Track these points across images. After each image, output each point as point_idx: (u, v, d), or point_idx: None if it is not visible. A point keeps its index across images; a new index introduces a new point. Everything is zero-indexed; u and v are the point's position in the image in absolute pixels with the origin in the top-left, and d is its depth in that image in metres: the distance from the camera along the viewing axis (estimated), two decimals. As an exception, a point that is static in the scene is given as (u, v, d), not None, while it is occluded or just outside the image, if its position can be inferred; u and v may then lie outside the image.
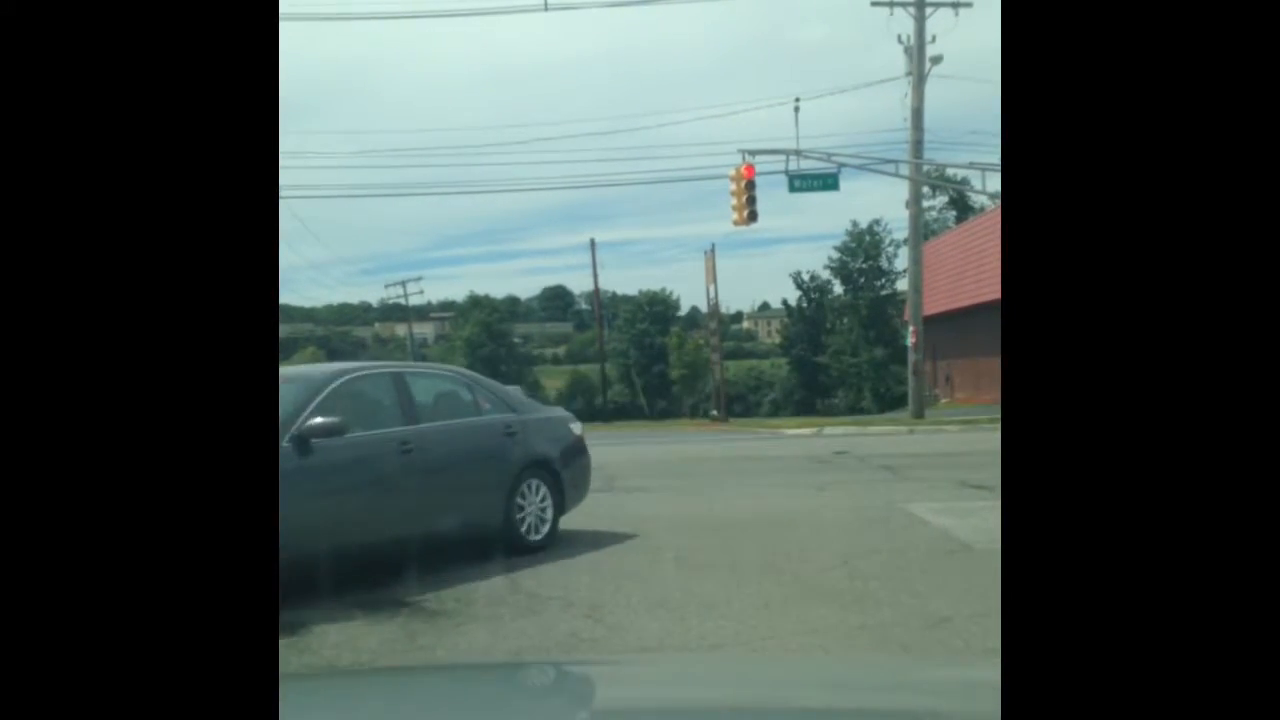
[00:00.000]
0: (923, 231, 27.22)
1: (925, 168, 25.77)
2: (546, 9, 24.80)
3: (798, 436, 22.81)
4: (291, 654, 4.83)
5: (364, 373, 7.40)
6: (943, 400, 33.90)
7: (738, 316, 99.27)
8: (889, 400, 41.41)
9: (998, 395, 28.96)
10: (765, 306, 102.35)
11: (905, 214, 26.01)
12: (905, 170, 23.65)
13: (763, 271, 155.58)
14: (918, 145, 23.64)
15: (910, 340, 25.30)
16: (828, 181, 22.60)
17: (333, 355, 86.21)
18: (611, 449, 15.90)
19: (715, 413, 40.58)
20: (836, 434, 22.26)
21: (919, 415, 24.53)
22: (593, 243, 55.22)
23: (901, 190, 25.91)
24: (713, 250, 42.27)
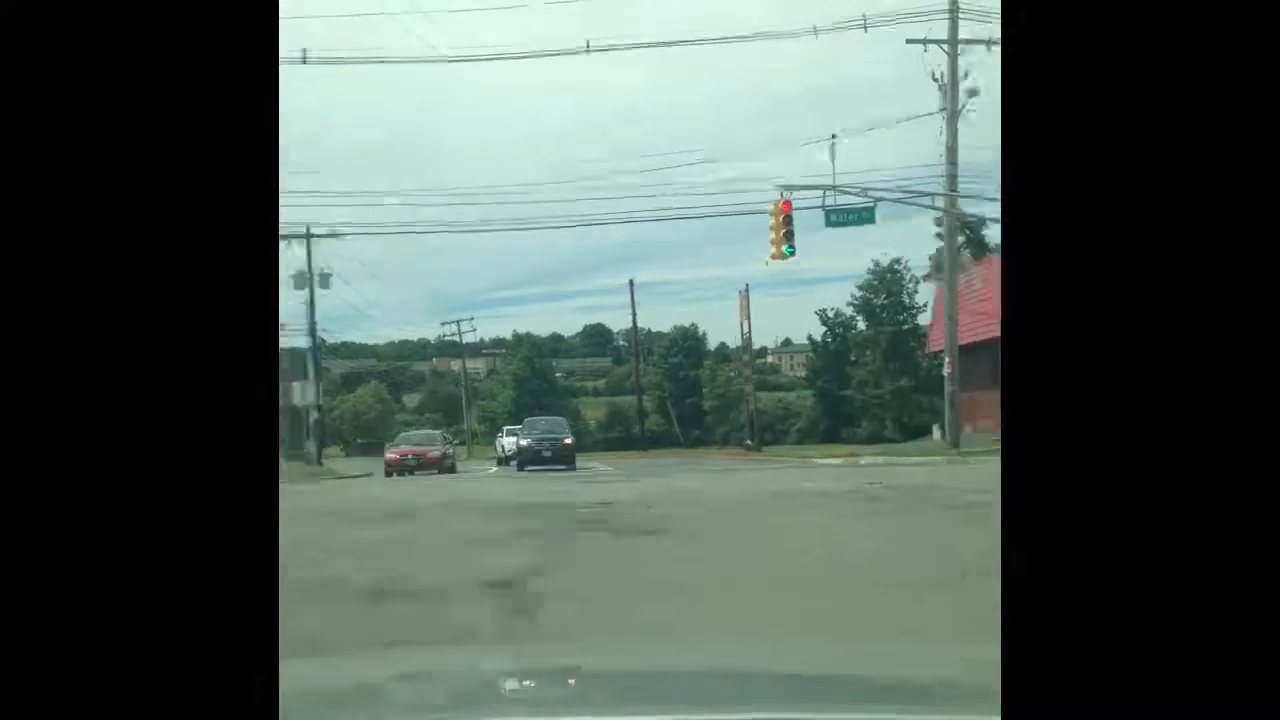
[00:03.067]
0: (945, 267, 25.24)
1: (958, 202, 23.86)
2: (589, 51, 23.44)
3: (830, 465, 20.98)
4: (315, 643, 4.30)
5: None
6: (966, 429, 31.87)
7: (762, 352, 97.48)
8: (911, 429, 39.53)
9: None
10: (788, 342, 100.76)
11: (925, 252, 24.20)
12: (940, 203, 21.81)
13: (783, 311, 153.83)
14: (952, 180, 21.77)
15: (947, 370, 23.31)
16: (863, 215, 20.90)
17: (393, 388, 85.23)
18: (649, 481, 14.16)
19: (750, 441, 38.78)
20: (875, 464, 20.31)
21: (955, 444, 22.51)
22: (631, 283, 54.50)
23: (926, 228, 24.12)
24: (747, 290, 41.66)
